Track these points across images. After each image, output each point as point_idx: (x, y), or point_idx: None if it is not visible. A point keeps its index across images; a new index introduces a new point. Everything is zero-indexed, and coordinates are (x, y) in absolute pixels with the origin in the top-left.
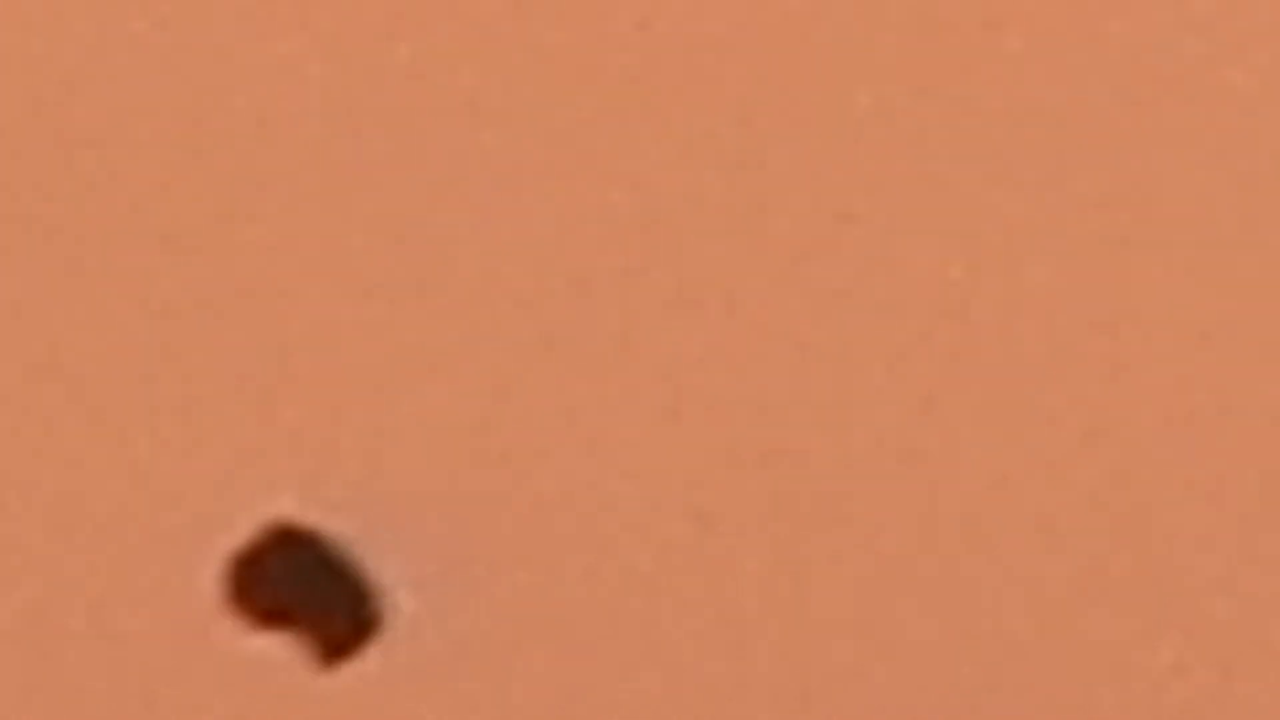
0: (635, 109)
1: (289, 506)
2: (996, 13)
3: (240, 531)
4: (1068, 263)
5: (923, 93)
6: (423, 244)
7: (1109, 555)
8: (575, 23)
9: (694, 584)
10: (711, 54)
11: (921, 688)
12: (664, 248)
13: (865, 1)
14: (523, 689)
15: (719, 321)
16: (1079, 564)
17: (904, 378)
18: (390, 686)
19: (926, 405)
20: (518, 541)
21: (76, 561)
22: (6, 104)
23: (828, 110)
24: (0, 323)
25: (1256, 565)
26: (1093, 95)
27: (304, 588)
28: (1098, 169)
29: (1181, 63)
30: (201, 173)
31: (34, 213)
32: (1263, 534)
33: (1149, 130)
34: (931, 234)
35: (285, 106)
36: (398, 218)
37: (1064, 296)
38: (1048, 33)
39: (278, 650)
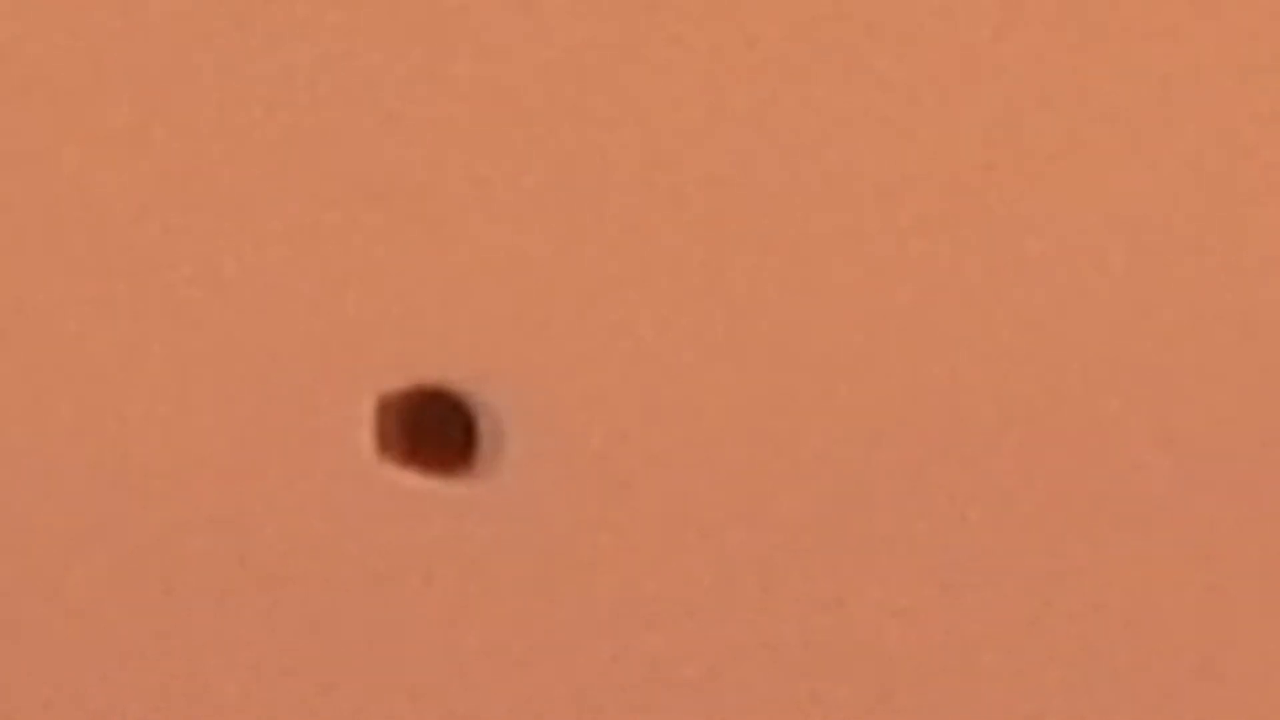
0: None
1: (430, 369)
2: None
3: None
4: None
5: None
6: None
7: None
8: None
9: (777, 472)
10: None
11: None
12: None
13: None
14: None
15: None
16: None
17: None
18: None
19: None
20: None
21: (256, 409)
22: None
23: None
24: (174, 178)
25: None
26: None
27: (440, 434)
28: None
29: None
30: None
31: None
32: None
33: None
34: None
35: None
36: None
37: None
38: None
39: (422, 483)
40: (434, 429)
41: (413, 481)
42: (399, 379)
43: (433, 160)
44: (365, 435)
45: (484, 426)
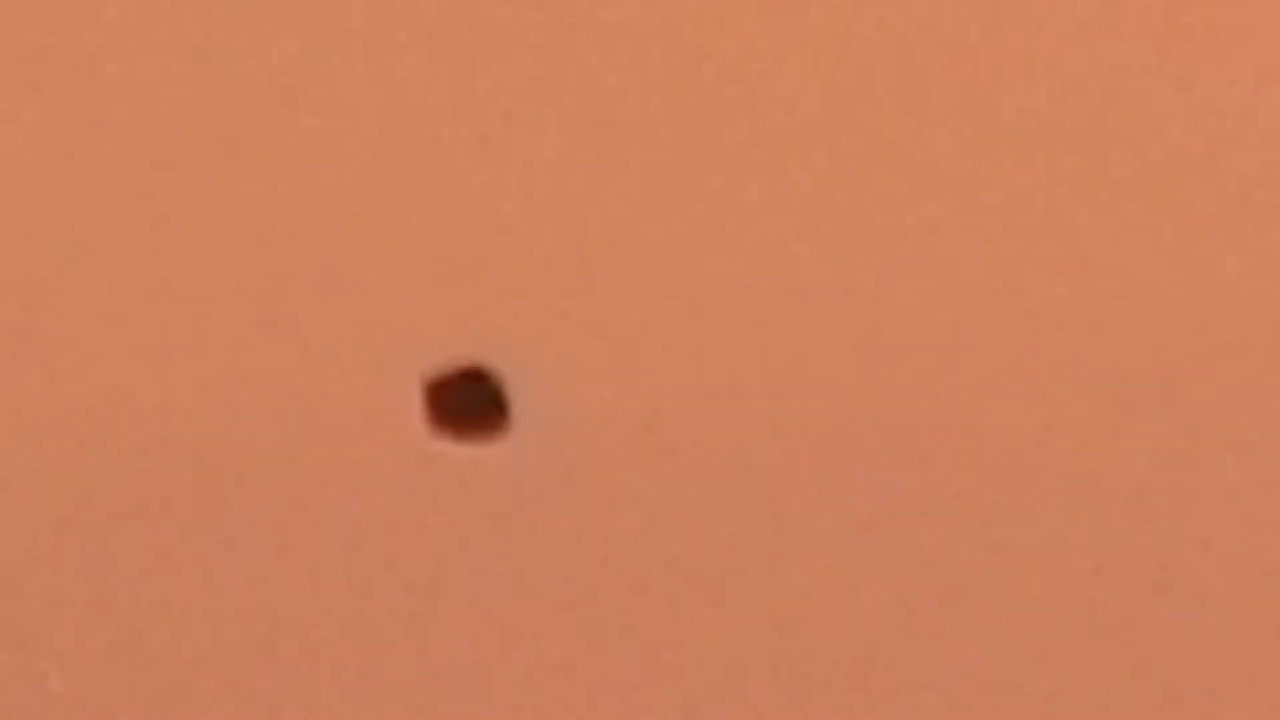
0: None
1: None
2: None
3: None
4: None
5: None
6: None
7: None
8: None
9: (789, 435)
10: None
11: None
12: None
13: None
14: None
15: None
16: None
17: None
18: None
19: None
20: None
21: (311, 392)
22: None
23: None
24: (222, 154)
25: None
26: None
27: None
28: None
29: None
30: None
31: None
32: None
33: None
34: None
35: None
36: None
37: None
38: None
39: (466, 453)
40: (460, 403)
41: (456, 451)
42: (439, 359)
43: (461, 152)
44: (414, 412)
45: (514, 398)
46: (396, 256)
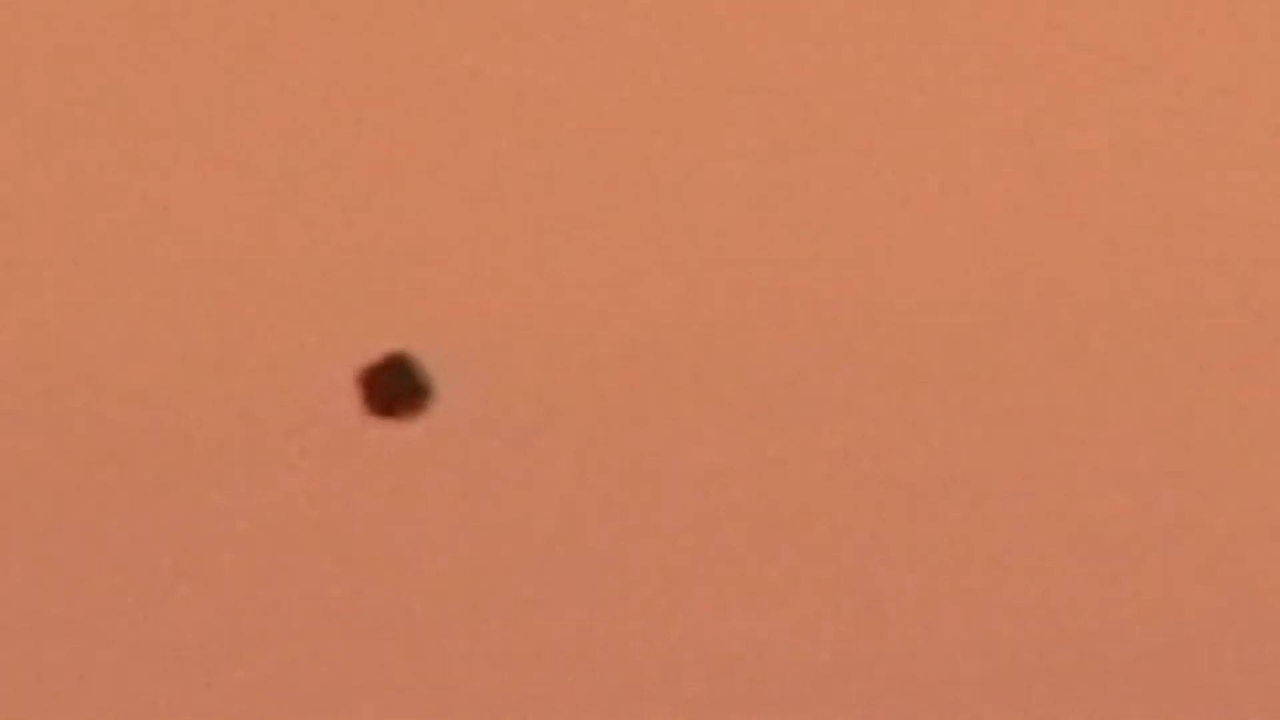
0: None
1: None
2: None
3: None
4: None
5: None
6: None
7: None
8: None
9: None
10: None
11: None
12: None
13: None
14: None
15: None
16: None
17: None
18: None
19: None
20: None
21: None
22: None
23: None
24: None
25: None
26: None
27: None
28: None
29: None
30: None
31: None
32: None
33: None
34: None
35: None
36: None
37: None
38: None
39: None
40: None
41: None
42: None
43: (429, 151)
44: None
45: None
46: (330, 246)
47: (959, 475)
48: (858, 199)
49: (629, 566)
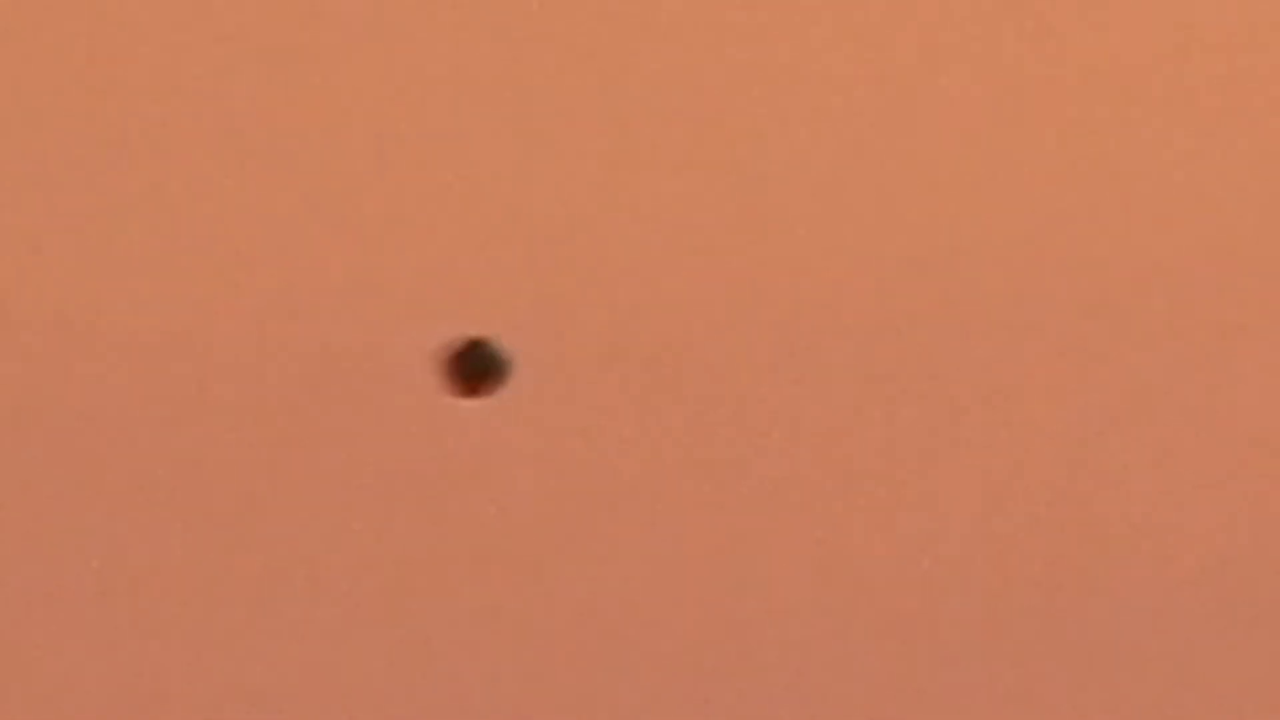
0: None
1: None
2: None
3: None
4: None
5: None
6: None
7: None
8: None
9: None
10: None
11: None
12: None
13: None
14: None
15: None
16: None
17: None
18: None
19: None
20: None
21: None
22: None
23: None
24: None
25: None
26: None
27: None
28: None
29: None
30: None
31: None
32: None
33: None
34: None
35: None
36: None
37: None
38: None
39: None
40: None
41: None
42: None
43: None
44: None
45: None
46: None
47: (959, 474)
48: (858, 197)
49: (636, 557)
